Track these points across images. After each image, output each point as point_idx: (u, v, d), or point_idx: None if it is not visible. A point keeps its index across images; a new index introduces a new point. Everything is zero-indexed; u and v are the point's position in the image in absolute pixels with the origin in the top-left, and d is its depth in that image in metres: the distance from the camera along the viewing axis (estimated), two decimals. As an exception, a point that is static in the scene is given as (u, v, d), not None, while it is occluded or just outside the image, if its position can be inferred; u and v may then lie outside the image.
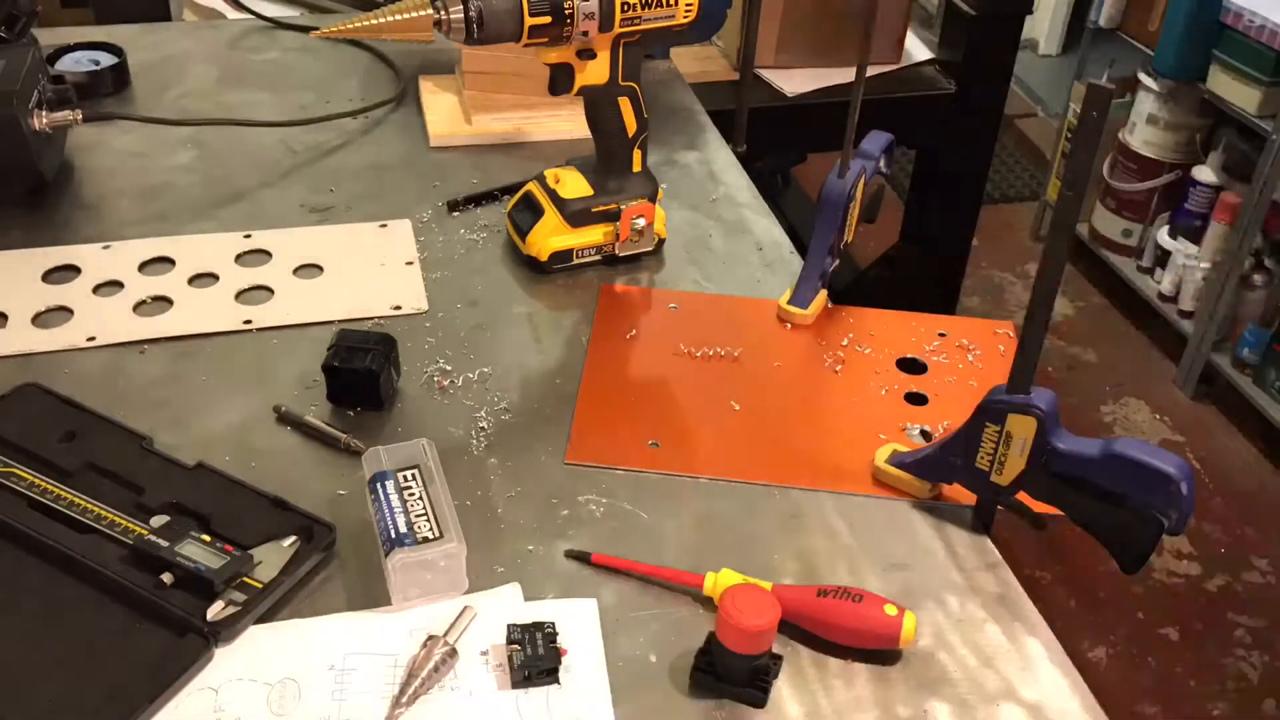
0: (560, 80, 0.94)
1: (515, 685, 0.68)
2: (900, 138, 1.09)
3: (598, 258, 1.03)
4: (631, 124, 0.98)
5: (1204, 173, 2.52)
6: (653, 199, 1.03)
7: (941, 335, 0.99)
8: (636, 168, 1.01)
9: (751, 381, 0.92)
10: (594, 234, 1.02)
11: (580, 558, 0.75)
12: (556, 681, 0.68)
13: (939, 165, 2.03)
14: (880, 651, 0.71)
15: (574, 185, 1.02)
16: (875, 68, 1.84)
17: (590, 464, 0.83)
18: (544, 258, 1.01)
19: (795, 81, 1.78)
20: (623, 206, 1.01)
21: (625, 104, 0.97)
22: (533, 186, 1.04)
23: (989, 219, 2.65)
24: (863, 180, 1.00)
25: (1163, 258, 2.63)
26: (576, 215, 1.01)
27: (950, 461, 0.78)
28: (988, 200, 2.89)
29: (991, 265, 2.89)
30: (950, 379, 0.94)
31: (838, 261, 1.02)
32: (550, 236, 1.01)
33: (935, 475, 0.81)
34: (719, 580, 0.73)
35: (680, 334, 0.97)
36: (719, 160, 1.23)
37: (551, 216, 1.01)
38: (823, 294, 0.99)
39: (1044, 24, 3.59)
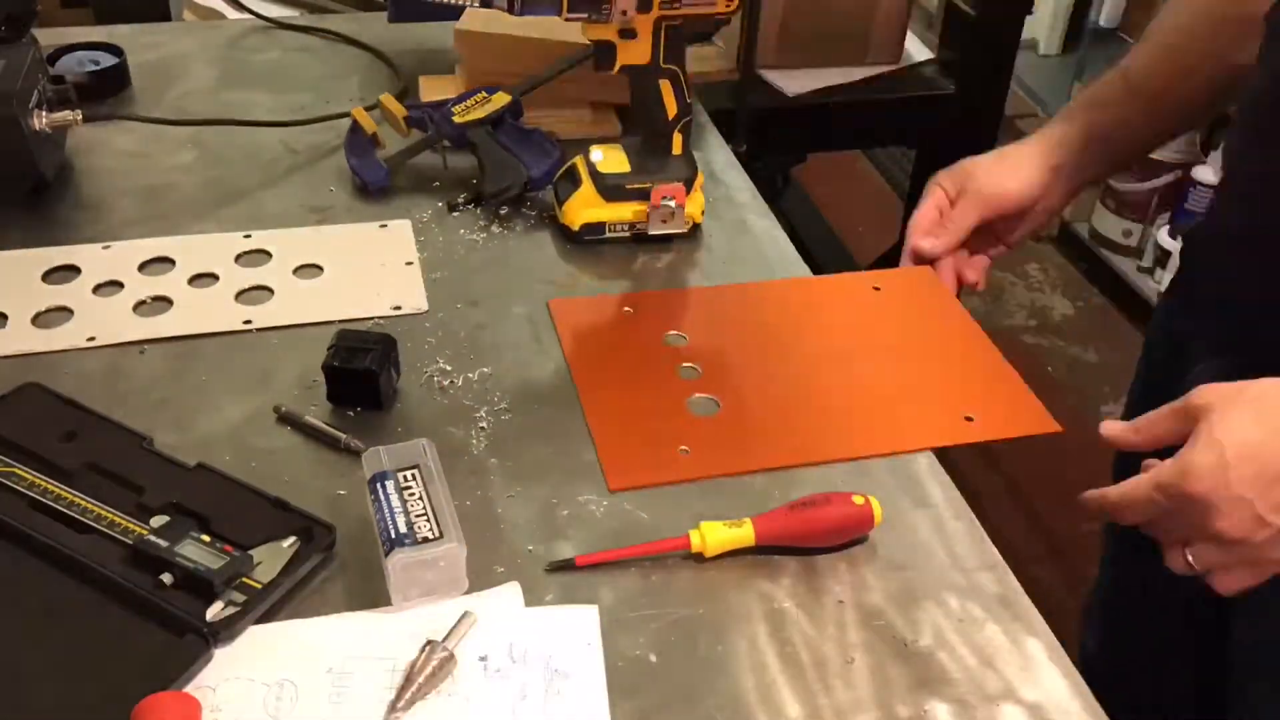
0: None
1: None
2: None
3: (628, 234, 1.06)
4: (672, 107, 1.01)
5: (1204, 173, 2.52)
6: (689, 183, 1.05)
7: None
8: (676, 150, 1.04)
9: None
10: (626, 210, 1.04)
11: (564, 566, 0.75)
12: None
13: (939, 165, 2.02)
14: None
15: (615, 162, 1.05)
16: (875, 68, 1.84)
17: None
18: (575, 227, 1.04)
19: (795, 81, 1.78)
20: (655, 187, 1.03)
21: (666, 87, 0.99)
22: (577, 160, 1.07)
23: (989, 219, 2.64)
24: None
25: (1163, 258, 2.63)
26: (611, 190, 1.04)
27: None
28: (988, 200, 2.89)
29: (991, 265, 2.88)
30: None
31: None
32: (584, 208, 1.04)
33: None
34: (705, 533, 0.75)
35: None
36: (719, 160, 1.23)
37: (588, 188, 1.04)
38: None
39: (1044, 24, 3.59)
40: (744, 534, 0.76)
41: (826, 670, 0.70)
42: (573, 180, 1.06)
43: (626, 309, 0.99)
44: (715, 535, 0.75)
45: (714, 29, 1.46)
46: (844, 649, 0.71)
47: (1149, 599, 1.03)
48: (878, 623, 0.73)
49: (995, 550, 0.79)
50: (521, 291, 1.01)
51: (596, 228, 1.04)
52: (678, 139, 1.03)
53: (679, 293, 1.02)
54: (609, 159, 1.05)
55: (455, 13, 1.25)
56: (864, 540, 0.78)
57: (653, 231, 1.05)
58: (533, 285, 1.02)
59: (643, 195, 1.04)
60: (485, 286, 1.01)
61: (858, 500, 0.77)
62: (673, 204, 1.04)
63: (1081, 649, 1.14)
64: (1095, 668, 0.77)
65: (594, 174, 1.04)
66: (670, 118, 1.01)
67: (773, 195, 2.47)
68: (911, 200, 2.20)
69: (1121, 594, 1.11)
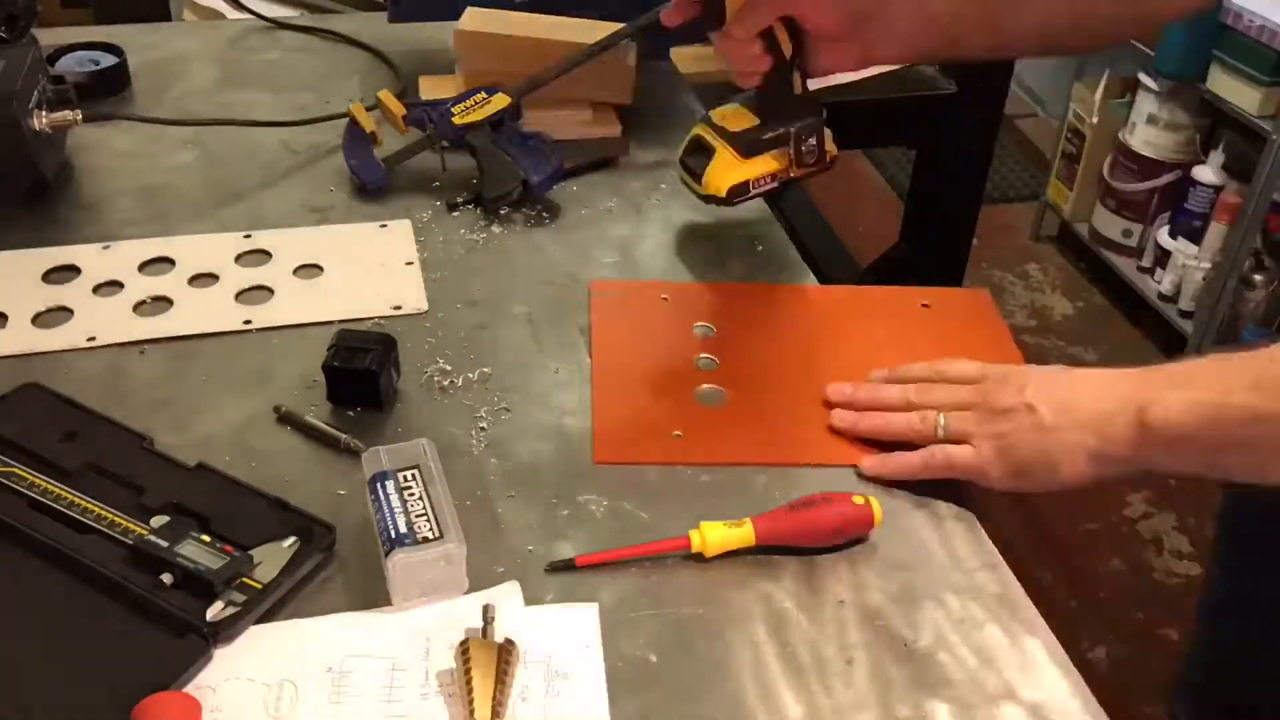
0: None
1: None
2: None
3: (775, 185, 1.04)
4: (787, 46, 0.98)
5: (1204, 173, 2.52)
6: (819, 118, 1.03)
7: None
8: (797, 90, 1.01)
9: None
10: (767, 163, 1.02)
11: (564, 566, 0.75)
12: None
13: (939, 165, 2.03)
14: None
15: (740, 119, 1.02)
16: (875, 68, 1.84)
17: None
18: (723, 193, 1.01)
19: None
20: (792, 130, 1.01)
21: (780, 26, 0.96)
22: (700, 129, 1.03)
23: (989, 219, 2.65)
24: None
25: (1163, 258, 2.63)
26: (749, 146, 1.01)
27: None
28: (988, 200, 2.89)
29: (991, 265, 2.89)
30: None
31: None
32: (726, 171, 1.01)
33: None
34: (705, 533, 0.75)
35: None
36: (719, 160, 1.23)
37: (725, 152, 1.01)
38: None
39: (1044, 24, 3.58)
40: (744, 534, 0.76)
41: (826, 670, 0.70)
42: (703, 150, 1.02)
43: (664, 296, 1.00)
44: (715, 535, 0.75)
45: None
46: (844, 649, 0.71)
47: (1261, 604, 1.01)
48: (878, 623, 0.73)
49: (995, 550, 0.79)
50: (521, 291, 1.01)
51: (742, 188, 1.01)
52: (796, 79, 1.00)
53: (720, 287, 1.02)
54: (733, 118, 1.02)
55: (455, 12, 1.25)
56: (864, 540, 0.78)
57: (796, 175, 1.03)
58: (533, 285, 1.02)
59: (780, 143, 1.01)
60: (485, 286, 1.01)
61: (858, 500, 0.77)
62: (813, 144, 1.02)
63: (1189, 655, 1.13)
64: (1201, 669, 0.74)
65: (726, 136, 1.01)
66: (789, 58, 0.98)
67: (773, 195, 2.47)
68: (912, 200, 2.20)
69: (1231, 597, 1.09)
